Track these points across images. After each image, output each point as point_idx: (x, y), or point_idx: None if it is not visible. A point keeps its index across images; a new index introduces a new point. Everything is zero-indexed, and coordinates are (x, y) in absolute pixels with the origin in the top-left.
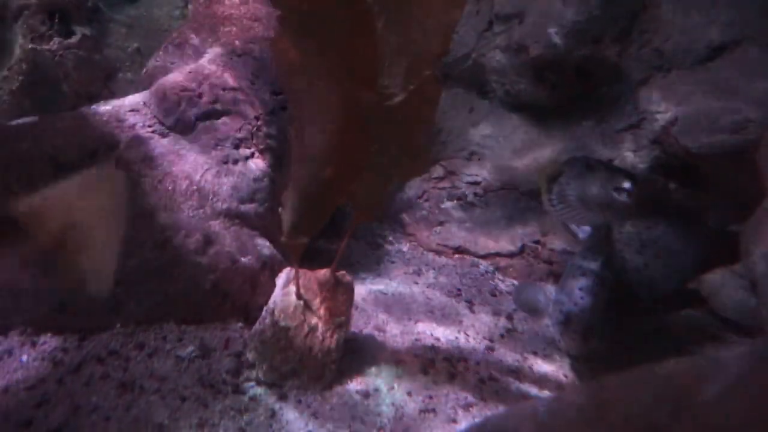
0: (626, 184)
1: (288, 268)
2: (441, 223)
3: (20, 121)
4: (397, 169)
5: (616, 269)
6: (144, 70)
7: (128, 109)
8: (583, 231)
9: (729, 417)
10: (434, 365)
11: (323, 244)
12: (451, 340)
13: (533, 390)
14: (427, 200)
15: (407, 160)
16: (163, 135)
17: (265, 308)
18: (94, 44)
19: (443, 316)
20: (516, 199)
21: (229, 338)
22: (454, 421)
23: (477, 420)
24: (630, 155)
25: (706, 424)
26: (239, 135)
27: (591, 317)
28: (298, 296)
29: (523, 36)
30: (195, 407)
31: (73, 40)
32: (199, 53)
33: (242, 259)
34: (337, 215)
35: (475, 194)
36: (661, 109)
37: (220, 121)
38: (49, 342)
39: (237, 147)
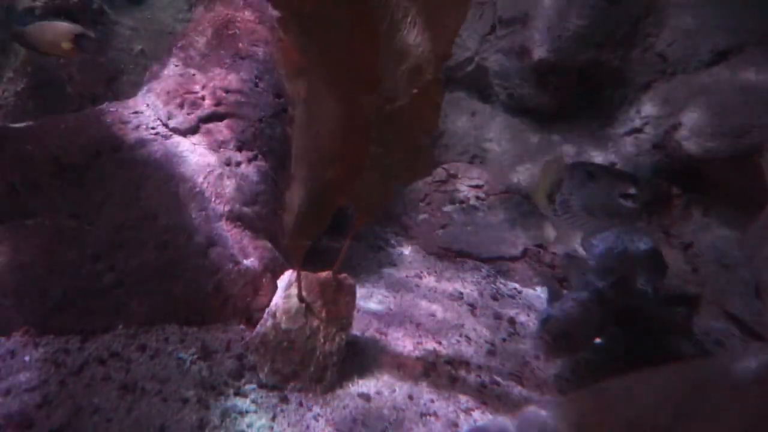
0: (632, 190)
1: (290, 271)
2: (443, 227)
3: (24, 123)
4: (400, 171)
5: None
6: (148, 72)
7: (132, 111)
8: (596, 245)
9: (732, 422)
10: (435, 369)
11: (325, 246)
12: (453, 344)
13: (535, 394)
14: (429, 203)
15: (409, 163)
16: (166, 137)
17: (266, 310)
18: (99, 46)
19: (445, 320)
20: (518, 202)
21: (231, 340)
22: (456, 424)
23: (478, 424)
24: (632, 159)
25: (709, 428)
26: (242, 137)
27: (570, 326)
28: (300, 299)
29: (526, 40)
30: (196, 409)
31: None
32: (202, 56)
33: (244, 261)
34: (339, 217)
35: (477, 197)
36: (664, 113)
37: (223, 123)
38: (51, 343)
39: (240, 149)
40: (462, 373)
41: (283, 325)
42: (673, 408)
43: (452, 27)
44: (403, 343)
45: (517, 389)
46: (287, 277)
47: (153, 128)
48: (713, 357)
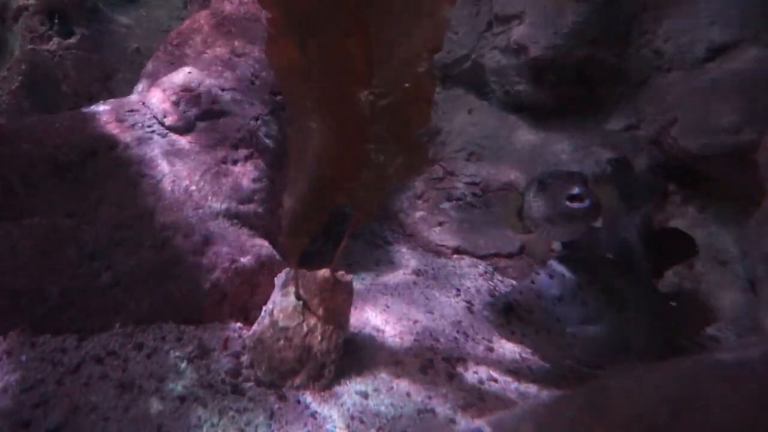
0: (576, 190)
1: (287, 269)
2: (440, 224)
3: (20, 121)
4: (396, 168)
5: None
6: (143, 70)
7: (128, 109)
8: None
9: (730, 418)
10: (433, 365)
11: (322, 244)
12: (450, 341)
13: (532, 390)
14: (426, 200)
15: (406, 160)
16: (162, 135)
17: (264, 308)
18: (94, 44)
19: (442, 317)
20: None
21: (228, 338)
22: (453, 421)
23: (476, 420)
24: (629, 156)
25: (707, 425)
26: (238, 135)
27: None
28: (297, 296)
29: (523, 36)
30: (194, 407)
31: (73, 40)
32: (198, 53)
33: (241, 259)
34: (336, 215)
35: (474, 195)
36: (660, 109)
37: (219, 121)
38: (48, 342)
39: (236, 147)
40: (460, 369)
41: (280, 323)
42: (671, 405)
43: (443, 17)
44: (400, 340)
45: (515, 385)
46: (284, 274)
47: (149, 126)
48: (709, 352)
